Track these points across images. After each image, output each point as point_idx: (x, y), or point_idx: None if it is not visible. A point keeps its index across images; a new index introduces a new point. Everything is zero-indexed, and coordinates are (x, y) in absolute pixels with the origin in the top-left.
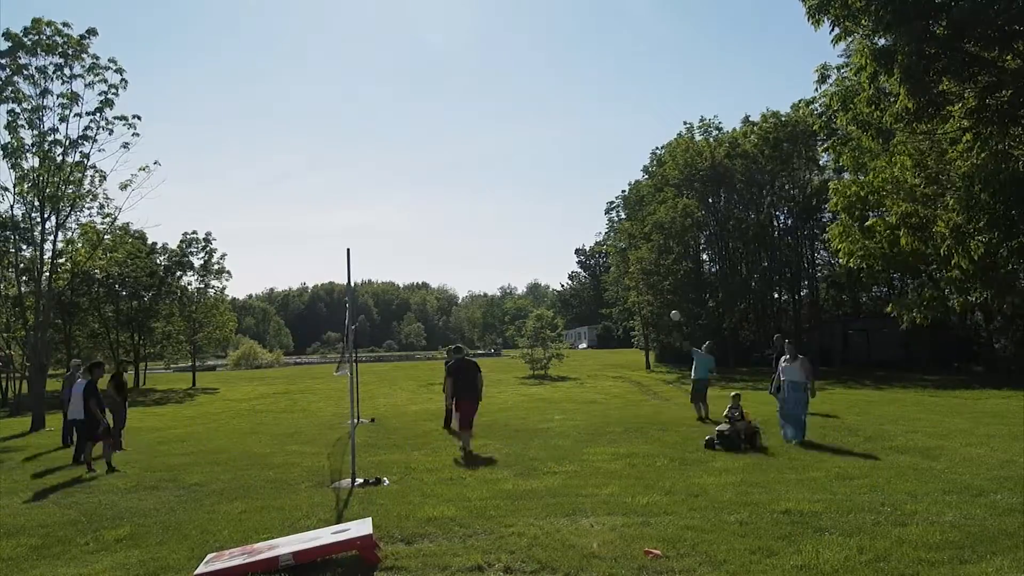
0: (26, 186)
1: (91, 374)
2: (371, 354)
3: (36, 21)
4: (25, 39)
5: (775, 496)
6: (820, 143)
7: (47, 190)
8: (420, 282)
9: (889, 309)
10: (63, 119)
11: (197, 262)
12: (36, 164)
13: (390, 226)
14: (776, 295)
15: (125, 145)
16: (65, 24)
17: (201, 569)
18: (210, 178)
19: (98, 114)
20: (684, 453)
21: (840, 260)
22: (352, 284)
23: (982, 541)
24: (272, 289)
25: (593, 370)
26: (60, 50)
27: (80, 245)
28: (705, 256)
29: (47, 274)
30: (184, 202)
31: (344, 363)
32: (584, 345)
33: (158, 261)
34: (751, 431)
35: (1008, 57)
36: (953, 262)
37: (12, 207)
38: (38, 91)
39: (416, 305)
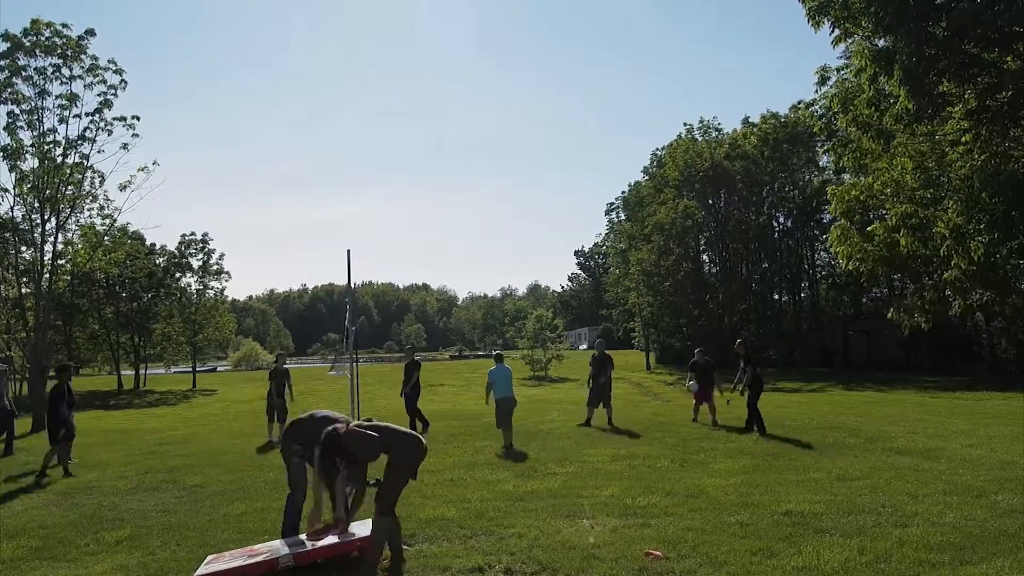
0: (26, 187)
1: (58, 377)
2: (371, 355)
3: (35, 22)
4: (24, 40)
5: (776, 497)
6: (820, 144)
7: (47, 191)
8: (420, 283)
9: (890, 315)
10: (62, 120)
11: (196, 263)
12: (35, 165)
13: (390, 226)
14: (776, 296)
15: (124, 146)
16: (64, 25)
17: (201, 570)
18: (208, 174)
19: (97, 115)
20: (685, 454)
21: (840, 262)
22: (352, 285)
23: (983, 542)
24: (272, 290)
25: None
26: (59, 51)
27: (80, 246)
28: (705, 257)
29: (47, 275)
30: (183, 199)
31: (339, 363)
32: (584, 346)
33: (157, 262)
34: None
35: (1008, 58)
36: (953, 263)
37: (12, 208)
38: (37, 92)
39: (416, 306)
